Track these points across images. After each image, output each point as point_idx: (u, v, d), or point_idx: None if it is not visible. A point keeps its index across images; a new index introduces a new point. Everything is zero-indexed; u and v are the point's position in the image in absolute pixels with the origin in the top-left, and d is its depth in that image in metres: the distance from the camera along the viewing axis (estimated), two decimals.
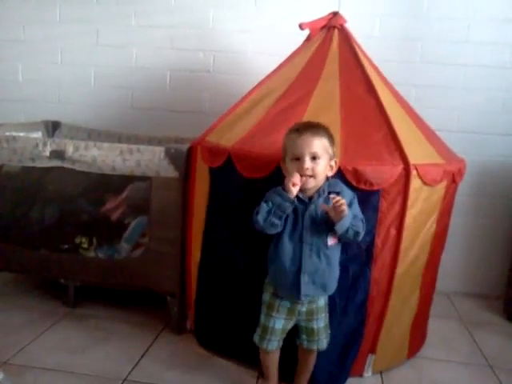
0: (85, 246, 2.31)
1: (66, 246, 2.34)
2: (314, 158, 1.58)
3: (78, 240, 2.32)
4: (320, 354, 1.83)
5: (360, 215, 1.64)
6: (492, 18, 2.65)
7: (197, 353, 2.07)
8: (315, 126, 1.63)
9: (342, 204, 1.53)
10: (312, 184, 1.60)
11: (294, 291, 1.64)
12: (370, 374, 1.97)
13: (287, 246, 1.63)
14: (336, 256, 1.68)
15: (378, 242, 1.79)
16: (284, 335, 1.74)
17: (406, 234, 1.80)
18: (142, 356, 2.02)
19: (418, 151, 1.84)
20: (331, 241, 1.63)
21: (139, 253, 2.25)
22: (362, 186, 1.72)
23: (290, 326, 1.73)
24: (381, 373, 2.00)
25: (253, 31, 2.80)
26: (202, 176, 2.02)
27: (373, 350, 1.94)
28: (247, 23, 2.80)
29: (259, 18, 2.79)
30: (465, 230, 2.83)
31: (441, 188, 1.89)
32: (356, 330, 1.88)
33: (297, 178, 1.56)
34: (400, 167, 1.74)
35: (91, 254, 2.31)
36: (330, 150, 1.62)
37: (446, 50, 2.69)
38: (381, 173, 1.72)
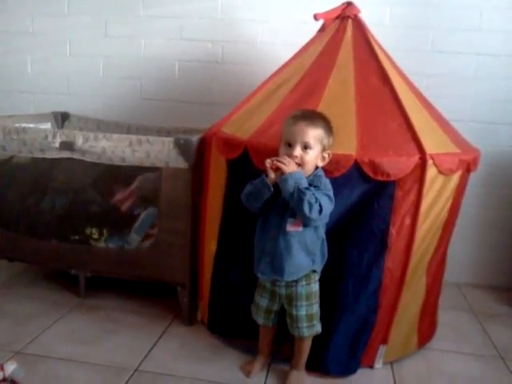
0: (95, 236, 2.32)
1: (77, 237, 2.34)
2: (305, 147, 1.63)
3: (88, 231, 2.32)
4: (331, 341, 1.87)
5: (320, 199, 1.57)
6: (504, 6, 2.60)
7: (207, 343, 2.08)
8: (313, 115, 1.68)
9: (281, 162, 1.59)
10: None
11: (257, 268, 1.76)
12: (380, 365, 1.97)
13: (260, 227, 1.75)
14: (298, 244, 1.67)
15: (393, 230, 1.79)
16: (272, 315, 1.84)
17: (420, 222, 1.80)
18: (153, 346, 2.03)
19: (433, 140, 1.83)
20: (290, 227, 1.65)
21: (149, 244, 2.25)
22: (380, 178, 1.72)
23: (275, 307, 1.82)
24: (391, 364, 2.00)
25: (262, 21, 2.78)
26: (217, 167, 2.01)
27: (385, 341, 1.94)
28: (256, 13, 2.77)
29: (269, 8, 2.77)
30: (476, 220, 2.81)
31: (456, 177, 1.88)
32: (368, 319, 1.88)
33: (272, 160, 1.62)
34: (416, 157, 1.74)
35: (101, 244, 2.31)
36: (325, 141, 1.65)
37: (457, 39, 2.65)
38: (398, 163, 1.72)
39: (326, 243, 1.75)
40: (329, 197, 1.63)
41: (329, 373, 1.90)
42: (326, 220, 1.68)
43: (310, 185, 1.62)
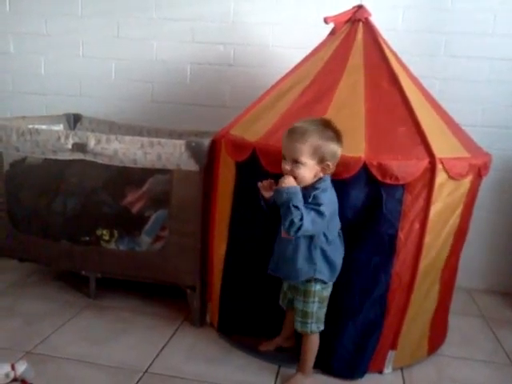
0: (106, 238, 2.33)
1: (88, 238, 2.35)
2: (296, 161, 1.63)
3: (99, 232, 2.33)
4: (337, 342, 1.89)
5: (305, 217, 1.58)
6: None
7: (217, 345, 2.08)
8: (306, 128, 1.64)
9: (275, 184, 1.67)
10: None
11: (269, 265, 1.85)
12: (390, 370, 1.96)
13: (278, 229, 1.78)
14: (293, 250, 1.71)
15: (401, 235, 1.78)
16: (286, 299, 1.90)
17: (429, 228, 1.79)
18: (163, 348, 2.03)
19: (443, 144, 1.82)
20: (283, 233, 1.71)
21: (160, 246, 2.25)
22: (388, 181, 1.71)
23: (289, 295, 1.88)
24: (401, 370, 1.99)
25: (274, 24, 2.78)
26: (226, 169, 2.02)
27: (393, 346, 1.93)
28: (268, 16, 2.77)
29: (280, 11, 2.77)
30: (487, 225, 2.78)
31: (466, 182, 1.87)
32: (376, 323, 1.88)
33: (264, 182, 1.71)
34: (426, 161, 1.73)
35: (112, 246, 2.32)
36: (324, 150, 1.62)
37: (470, 43, 2.63)
38: (406, 167, 1.71)
39: (332, 253, 1.74)
40: (317, 212, 1.61)
41: (334, 373, 1.91)
42: (316, 232, 1.68)
43: (305, 195, 1.63)
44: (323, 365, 1.90)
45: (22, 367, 1.71)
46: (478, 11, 2.61)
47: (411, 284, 1.85)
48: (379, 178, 1.70)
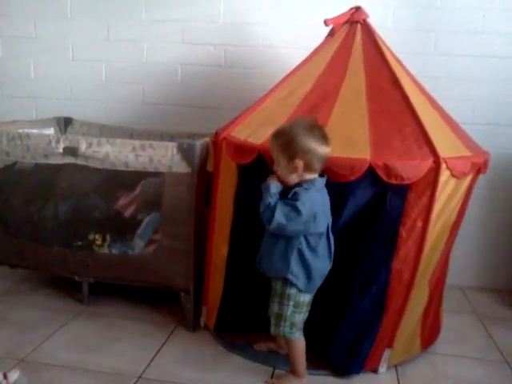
0: (98, 242, 2.31)
1: (80, 243, 2.33)
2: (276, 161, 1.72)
3: (91, 237, 2.31)
4: (336, 335, 1.91)
5: (278, 214, 1.63)
6: (507, 8, 2.59)
7: (211, 350, 2.08)
8: (280, 128, 1.72)
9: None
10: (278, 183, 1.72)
11: None
12: (384, 369, 1.96)
13: None
14: (272, 245, 1.74)
15: (403, 232, 1.79)
16: None
17: (432, 226, 1.80)
18: (157, 353, 2.02)
19: (445, 144, 1.84)
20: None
21: (152, 249, 2.24)
22: (393, 181, 1.72)
23: None
24: (396, 368, 1.99)
25: (265, 24, 2.77)
26: (227, 172, 2.00)
27: (390, 345, 1.94)
28: (259, 16, 2.76)
29: (271, 11, 2.75)
30: (480, 223, 2.79)
31: (467, 180, 1.89)
32: (373, 319, 1.89)
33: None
34: (430, 161, 1.74)
35: (105, 250, 2.30)
36: (292, 148, 1.64)
37: (460, 41, 2.64)
38: (411, 167, 1.73)
39: (313, 261, 1.72)
40: (293, 207, 1.63)
41: (332, 365, 1.92)
42: (294, 230, 1.67)
43: (288, 192, 1.68)
44: (322, 356, 1.93)
45: (14, 376, 1.69)
46: (468, 9, 2.62)
47: (411, 281, 1.86)
48: (385, 178, 1.72)
